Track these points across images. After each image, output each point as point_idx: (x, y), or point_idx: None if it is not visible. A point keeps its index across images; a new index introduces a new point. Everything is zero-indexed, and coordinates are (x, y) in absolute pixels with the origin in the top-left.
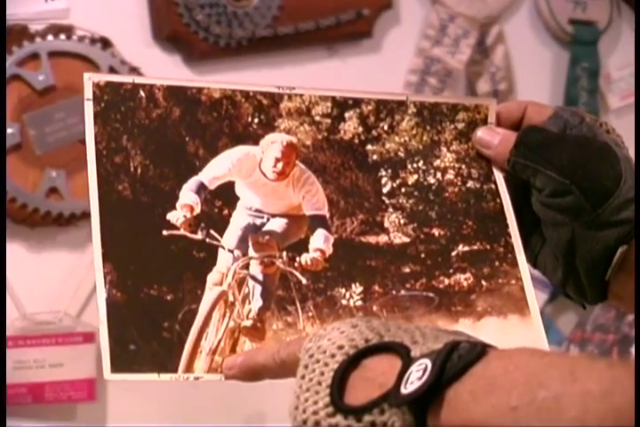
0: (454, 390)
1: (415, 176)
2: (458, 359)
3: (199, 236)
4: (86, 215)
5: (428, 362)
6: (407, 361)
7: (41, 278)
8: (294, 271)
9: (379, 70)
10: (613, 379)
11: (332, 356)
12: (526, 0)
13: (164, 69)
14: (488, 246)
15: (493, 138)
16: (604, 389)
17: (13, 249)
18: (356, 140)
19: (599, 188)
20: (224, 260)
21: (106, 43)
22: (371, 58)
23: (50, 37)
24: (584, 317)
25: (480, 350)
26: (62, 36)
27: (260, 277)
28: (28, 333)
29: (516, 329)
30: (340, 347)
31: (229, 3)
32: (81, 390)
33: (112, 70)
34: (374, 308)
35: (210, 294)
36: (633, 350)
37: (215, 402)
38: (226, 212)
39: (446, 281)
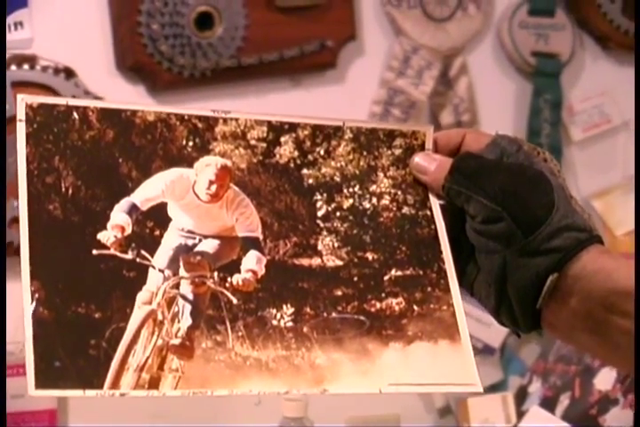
0: None
1: (351, 200)
2: None
3: (129, 255)
4: None
5: None
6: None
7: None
8: (225, 291)
9: (342, 101)
10: None
11: None
12: (489, 32)
13: (127, 99)
14: (421, 272)
15: (430, 164)
16: None
17: None
18: (292, 165)
19: (530, 215)
20: (154, 279)
21: (69, 73)
22: (334, 89)
23: (13, 67)
24: (546, 348)
25: None
26: (25, 66)
27: (191, 296)
28: None
29: (446, 354)
30: None
31: (193, 33)
32: (42, 421)
33: None
34: (305, 329)
35: (139, 313)
36: (595, 380)
37: None
38: (157, 232)
39: (378, 305)
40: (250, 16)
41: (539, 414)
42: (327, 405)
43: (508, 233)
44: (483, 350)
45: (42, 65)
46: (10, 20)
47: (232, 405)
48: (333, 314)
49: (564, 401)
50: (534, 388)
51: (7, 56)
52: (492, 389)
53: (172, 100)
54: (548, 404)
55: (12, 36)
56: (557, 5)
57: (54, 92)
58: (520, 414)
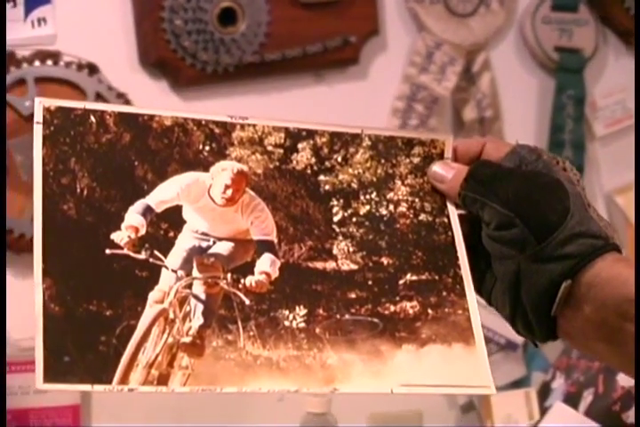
0: None
1: (367, 207)
2: None
3: (142, 256)
4: None
5: None
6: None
7: (26, 304)
8: (238, 292)
9: (365, 97)
10: None
11: None
12: (512, 28)
13: (150, 95)
14: (437, 277)
15: (448, 172)
16: None
17: None
18: (309, 171)
19: (543, 221)
20: (167, 279)
21: (93, 69)
22: (357, 84)
23: (37, 63)
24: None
25: None
26: (49, 62)
27: (203, 296)
28: (13, 359)
29: (460, 357)
30: None
31: (216, 29)
32: (65, 417)
33: (99, 96)
34: (317, 330)
35: (150, 311)
36: (618, 377)
37: None
38: (171, 234)
39: (392, 308)
40: (273, 12)
41: (562, 411)
42: (350, 401)
43: (522, 239)
44: (505, 346)
45: (65, 61)
46: (33, 16)
47: (255, 401)
48: (346, 316)
49: (587, 397)
50: (557, 384)
51: (31, 52)
52: (515, 385)
53: (194, 96)
54: (572, 400)
55: (35, 33)
56: (580, 1)
57: (77, 88)
58: (543, 411)
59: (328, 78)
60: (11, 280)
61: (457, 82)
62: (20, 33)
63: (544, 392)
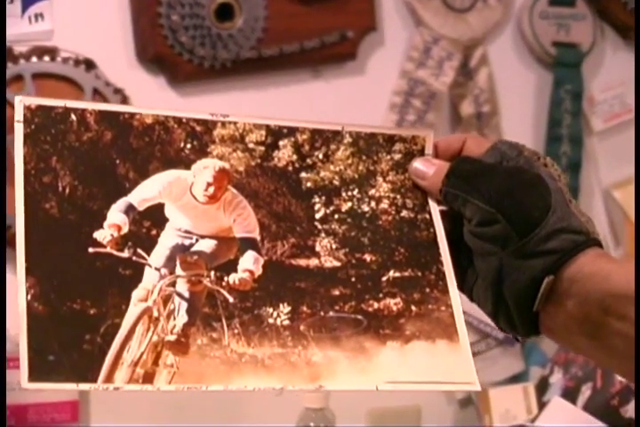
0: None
1: (349, 204)
2: None
3: (125, 254)
4: None
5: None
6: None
7: None
8: (222, 290)
9: (363, 92)
10: None
11: None
12: (510, 22)
13: (148, 91)
14: (419, 273)
15: (429, 169)
16: None
17: None
18: (290, 168)
19: (525, 217)
20: (150, 277)
21: (90, 64)
22: (355, 80)
23: (34, 59)
24: None
25: None
26: (46, 58)
27: (187, 294)
28: (12, 354)
29: (444, 354)
30: None
31: (214, 24)
32: (64, 412)
33: (96, 92)
34: (301, 327)
35: (134, 309)
36: None
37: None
38: (154, 232)
39: (375, 305)
40: (270, 7)
41: (560, 405)
42: (348, 396)
43: (504, 235)
44: (503, 341)
45: (62, 57)
46: (30, 11)
47: (253, 396)
48: (330, 313)
49: (585, 392)
50: (555, 378)
51: (28, 48)
52: (514, 380)
53: (192, 92)
54: (570, 394)
55: (32, 28)
56: None
57: (75, 84)
58: (541, 405)
59: (325, 74)
60: (8, 276)
61: (454, 77)
62: (18, 29)
63: (542, 387)
